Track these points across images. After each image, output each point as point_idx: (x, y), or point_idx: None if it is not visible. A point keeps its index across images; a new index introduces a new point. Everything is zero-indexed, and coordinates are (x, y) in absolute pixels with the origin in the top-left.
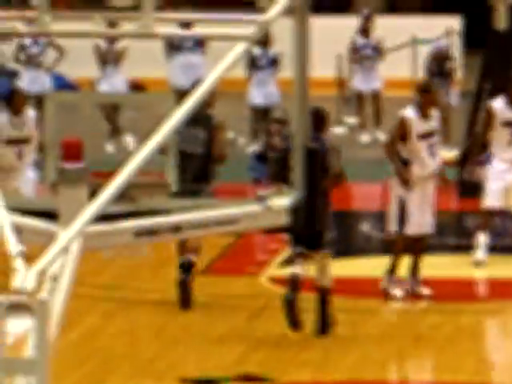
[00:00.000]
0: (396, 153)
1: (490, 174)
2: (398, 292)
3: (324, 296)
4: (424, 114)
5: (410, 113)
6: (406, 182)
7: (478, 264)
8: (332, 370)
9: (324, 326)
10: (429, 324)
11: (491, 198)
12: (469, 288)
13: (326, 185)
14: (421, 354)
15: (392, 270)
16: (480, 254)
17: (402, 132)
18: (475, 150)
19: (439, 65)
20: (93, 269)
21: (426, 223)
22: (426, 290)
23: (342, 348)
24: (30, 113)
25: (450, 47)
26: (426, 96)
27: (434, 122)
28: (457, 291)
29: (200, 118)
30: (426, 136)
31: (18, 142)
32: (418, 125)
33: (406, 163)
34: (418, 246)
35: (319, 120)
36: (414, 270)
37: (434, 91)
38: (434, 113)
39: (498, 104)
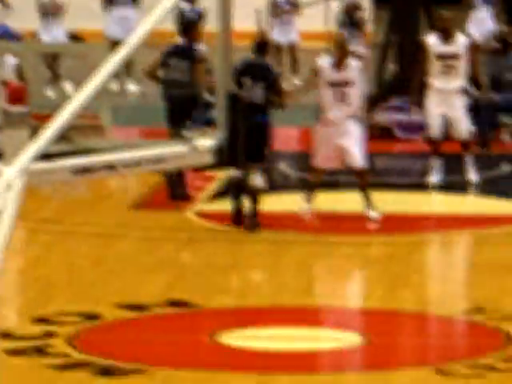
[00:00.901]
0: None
1: (428, 105)
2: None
3: (254, 195)
4: (337, 64)
5: (323, 62)
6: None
7: (433, 186)
8: (253, 296)
9: (254, 223)
10: (341, 254)
11: (432, 128)
12: (381, 222)
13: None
14: (334, 282)
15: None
16: (434, 177)
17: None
18: (414, 87)
19: (350, 16)
20: (34, 204)
21: (333, 158)
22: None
23: (263, 276)
24: None
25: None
26: (339, 48)
27: (348, 72)
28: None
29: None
30: (336, 84)
31: None
32: (329, 73)
33: None
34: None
35: (263, 46)
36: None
37: (346, 43)
38: (352, 63)
39: (431, 39)
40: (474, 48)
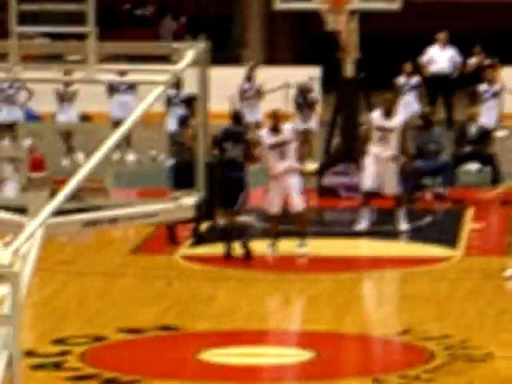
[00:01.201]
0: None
1: (365, 163)
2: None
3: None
4: (275, 128)
5: (263, 131)
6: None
7: (362, 232)
8: (228, 322)
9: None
10: (296, 288)
11: (366, 183)
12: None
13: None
14: (291, 310)
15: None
16: (363, 224)
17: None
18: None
19: (304, 97)
20: (52, 249)
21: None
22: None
23: (236, 306)
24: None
25: (312, 85)
26: (273, 117)
27: (284, 136)
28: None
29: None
30: (275, 146)
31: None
32: (268, 138)
33: None
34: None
35: (238, 117)
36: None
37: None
38: (286, 126)
39: (375, 114)
40: (404, 125)
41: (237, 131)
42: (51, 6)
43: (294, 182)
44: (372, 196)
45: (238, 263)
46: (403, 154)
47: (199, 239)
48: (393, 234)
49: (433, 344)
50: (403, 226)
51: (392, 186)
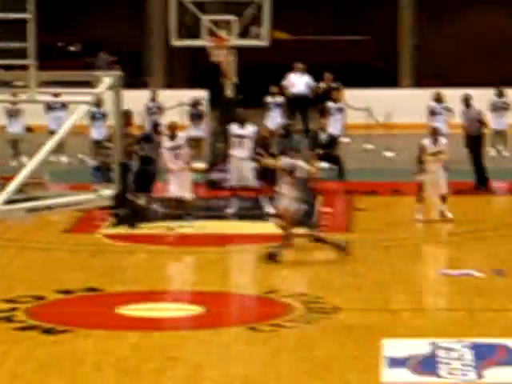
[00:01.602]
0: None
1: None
2: None
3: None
4: (172, 136)
5: (163, 138)
6: None
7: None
8: (141, 284)
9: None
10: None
11: (232, 180)
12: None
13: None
14: (188, 275)
15: None
16: (231, 210)
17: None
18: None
19: (195, 109)
20: (3, 229)
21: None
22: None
23: (147, 272)
24: None
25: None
26: (170, 128)
27: (178, 141)
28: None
29: None
30: (173, 148)
31: None
32: (167, 143)
33: None
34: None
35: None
36: None
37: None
38: (181, 134)
39: (232, 126)
40: (264, 133)
41: (151, 136)
42: (2, 44)
43: (186, 177)
44: (238, 188)
45: (146, 239)
46: (257, 155)
47: (119, 221)
48: (259, 217)
49: (292, 300)
50: (271, 209)
51: (251, 181)
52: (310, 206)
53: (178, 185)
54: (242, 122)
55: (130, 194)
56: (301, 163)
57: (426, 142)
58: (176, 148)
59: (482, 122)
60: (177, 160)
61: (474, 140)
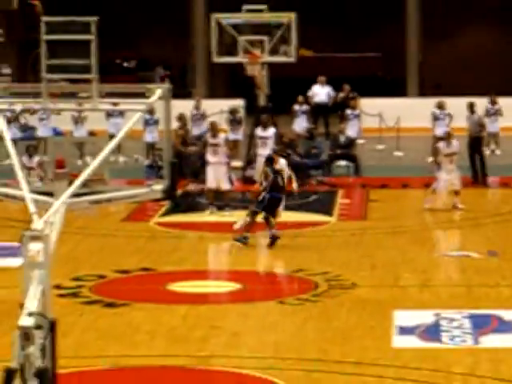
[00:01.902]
0: None
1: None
2: None
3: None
4: (213, 134)
5: (207, 135)
6: None
7: None
8: (186, 265)
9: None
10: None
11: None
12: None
13: None
14: (222, 260)
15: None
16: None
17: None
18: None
19: (234, 116)
20: (70, 218)
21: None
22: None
23: (192, 253)
24: None
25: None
26: (212, 127)
27: (219, 140)
28: None
29: None
30: (213, 145)
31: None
32: (209, 139)
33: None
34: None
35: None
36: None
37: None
38: (221, 135)
39: (257, 129)
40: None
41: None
42: (69, 61)
43: (222, 170)
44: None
45: (192, 226)
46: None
47: (174, 207)
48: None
49: (317, 278)
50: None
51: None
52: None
53: (214, 176)
54: (265, 126)
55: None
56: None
57: (441, 144)
58: (215, 145)
59: (482, 126)
60: (215, 155)
61: (476, 141)
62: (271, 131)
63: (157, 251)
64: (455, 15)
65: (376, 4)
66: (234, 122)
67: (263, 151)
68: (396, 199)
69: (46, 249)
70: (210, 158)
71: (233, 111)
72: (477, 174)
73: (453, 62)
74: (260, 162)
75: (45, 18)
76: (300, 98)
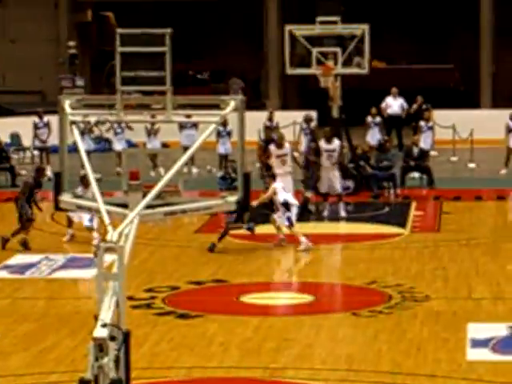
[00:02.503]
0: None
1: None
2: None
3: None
4: (279, 145)
5: (271, 147)
6: None
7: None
8: (259, 277)
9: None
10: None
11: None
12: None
13: None
14: (302, 272)
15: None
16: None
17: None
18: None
19: (308, 125)
20: (144, 230)
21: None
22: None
23: (264, 265)
24: None
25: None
26: (281, 139)
27: (286, 150)
28: None
29: None
30: (279, 156)
31: None
32: (275, 151)
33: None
34: None
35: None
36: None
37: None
38: (286, 145)
39: (321, 142)
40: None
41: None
42: (143, 73)
43: (289, 181)
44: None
45: (264, 238)
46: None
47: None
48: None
49: (390, 290)
50: (343, 213)
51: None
52: None
53: (282, 188)
54: (329, 139)
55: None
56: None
57: None
58: (282, 155)
59: None
60: (282, 166)
61: None
62: (336, 144)
63: (230, 263)
64: None
65: (449, 15)
66: (308, 132)
67: (328, 163)
68: (469, 211)
69: (120, 260)
70: (277, 169)
71: (307, 120)
72: None
73: None
74: (325, 173)
75: (119, 30)
76: (373, 110)
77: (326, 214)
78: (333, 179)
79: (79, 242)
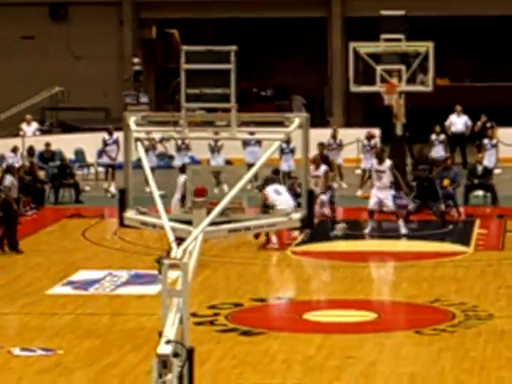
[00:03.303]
0: None
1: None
2: None
3: None
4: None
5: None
6: None
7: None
8: (323, 294)
9: None
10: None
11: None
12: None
13: None
14: (362, 287)
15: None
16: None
17: None
18: None
19: (369, 142)
20: (208, 246)
21: None
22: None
23: (324, 282)
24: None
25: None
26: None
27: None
28: None
29: None
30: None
31: None
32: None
33: None
34: None
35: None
36: None
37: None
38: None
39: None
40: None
41: None
42: (207, 90)
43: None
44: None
45: (327, 255)
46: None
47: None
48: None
49: (454, 308)
50: (403, 230)
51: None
52: None
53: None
54: (380, 159)
55: None
56: None
57: None
58: (316, 177)
59: None
60: (316, 186)
61: None
62: (387, 164)
63: (293, 280)
64: None
65: None
66: (370, 149)
67: (379, 183)
68: None
69: (184, 277)
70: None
71: (369, 137)
72: None
73: None
74: (376, 192)
75: (184, 47)
76: (437, 128)
77: (367, 231)
78: (383, 199)
79: (143, 257)
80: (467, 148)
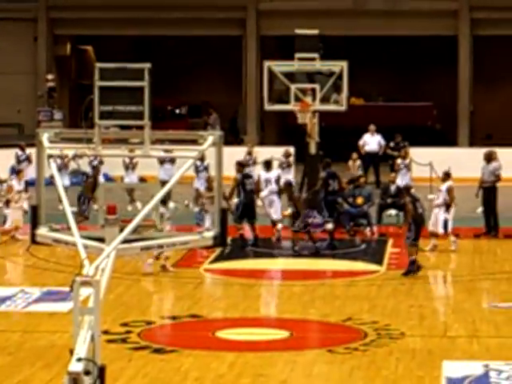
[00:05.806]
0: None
1: None
2: None
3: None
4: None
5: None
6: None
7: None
8: (235, 311)
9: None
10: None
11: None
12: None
13: None
14: (275, 304)
15: None
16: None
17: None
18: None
19: (287, 159)
20: (120, 264)
21: None
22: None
23: (236, 300)
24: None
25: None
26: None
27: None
28: None
29: None
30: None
31: None
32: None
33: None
34: None
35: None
36: None
37: None
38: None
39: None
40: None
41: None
42: (121, 107)
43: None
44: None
45: (239, 273)
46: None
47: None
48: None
49: (366, 327)
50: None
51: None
52: None
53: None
54: (268, 167)
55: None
56: None
57: None
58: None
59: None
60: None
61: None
62: (274, 173)
63: (205, 298)
64: (506, 65)
65: (427, 54)
66: (287, 166)
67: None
68: (446, 249)
69: (96, 294)
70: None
71: (287, 155)
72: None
73: (504, 111)
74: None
75: (98, 64)
76: (354, 155)
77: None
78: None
79: (54, 274)
80: (380, 167)
